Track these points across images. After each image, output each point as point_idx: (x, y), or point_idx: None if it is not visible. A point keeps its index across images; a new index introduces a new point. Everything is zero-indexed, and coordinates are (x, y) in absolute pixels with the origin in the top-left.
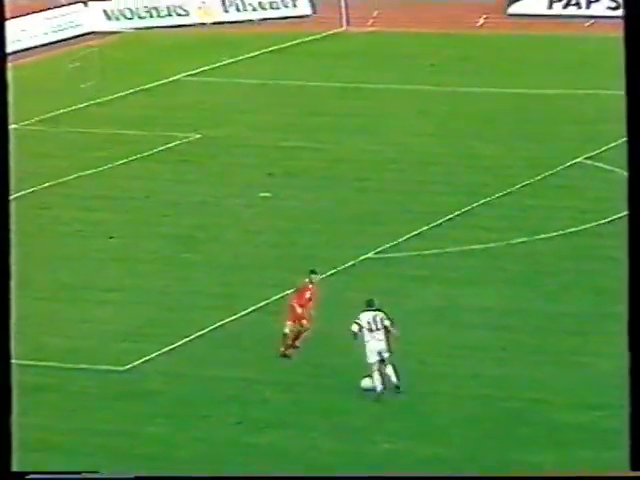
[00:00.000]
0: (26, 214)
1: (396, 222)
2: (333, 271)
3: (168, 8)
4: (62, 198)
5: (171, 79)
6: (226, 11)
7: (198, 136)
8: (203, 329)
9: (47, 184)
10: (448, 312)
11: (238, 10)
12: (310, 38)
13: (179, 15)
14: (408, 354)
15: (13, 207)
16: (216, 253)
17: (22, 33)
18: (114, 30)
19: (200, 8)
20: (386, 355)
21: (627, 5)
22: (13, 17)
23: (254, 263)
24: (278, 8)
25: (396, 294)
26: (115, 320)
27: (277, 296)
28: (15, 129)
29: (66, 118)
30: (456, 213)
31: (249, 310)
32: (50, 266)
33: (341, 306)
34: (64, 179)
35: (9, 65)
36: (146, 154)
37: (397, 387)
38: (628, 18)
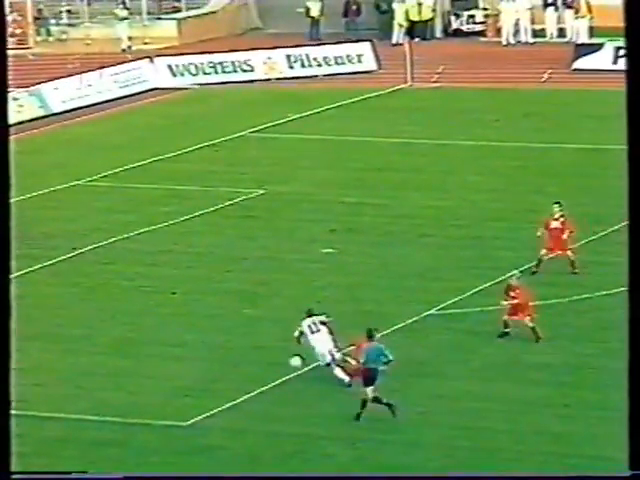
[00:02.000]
0: (90, 269)
1: (459, 278)
2: (395, 327)
3: (233, 64)
4: (126, 253)
5: (236, 135)
6: (291, 67)
7: (262, 192)
8: (265, 385)
9: (111, 239)
10: (511, 368)
11: (303, 66)
12: (375, 94)
13: (244, 71)
14: (470, 410)
15: (76, 263)
16: (279, 309)
17: (89, 88)
18: (179, 86)
19: (265, 64)
20: (336, 355)
21: None
22: (82, 72)
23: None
24: (343, 64)
25: (459, 350)
26: (177, 375)
27: (339, 352)
28: (81, 185)
29: (131, 174)
30: (519, 269)
31: (312, 366)
32: (113, 321)
33: (404, 363)
34: (128, 234)
35: (78, 120)
36: (210, 209)
37: (349, 385)
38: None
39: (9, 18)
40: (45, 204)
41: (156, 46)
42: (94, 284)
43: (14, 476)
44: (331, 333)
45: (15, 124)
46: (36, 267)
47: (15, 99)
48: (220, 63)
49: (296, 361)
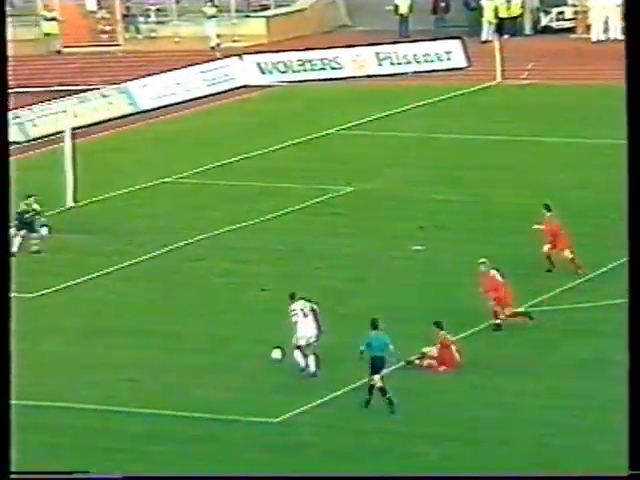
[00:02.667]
0: (179, 266)
1: (549, 275)
2: (484, 325)
3: (322, 61)
4: (215, 250)
5: (324, 132)
6: (380, 64)
7: (350, 189)
8: (355, 382)
9: (200, 236)
10: (599, 365)
11: (392, 63)
12: (464, 91)
13: (333, 68)
14: (560, 407)
15: (166, 260)
16: (368, 306)
17: (177, 87)
18: (267, 84)
19: (354, 61)
20: (314, 342)
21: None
22: (167, 70)
23: (406, 316)
24: (432, 61)
25: (546, 346)
26: (268, 372)
27: (428, 349)
28: (169, 182)
29: (219, 171)
30: (610, 266)
31: (399, 365)
32: (203, 319)
33: (491, 360)
34: (217, 231)
35: (166, 117)
36: (298, 207)
37: (314, 375)
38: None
39: (98, 15)
40: (133, 201)
41: (245, 44)
42: (184, 281)
43: (14, 476)
44: (317, 321)
45: (104, 121)
46: (126, 263)
47: (104, 96)
48: (309, 61)
49: (277, 354)
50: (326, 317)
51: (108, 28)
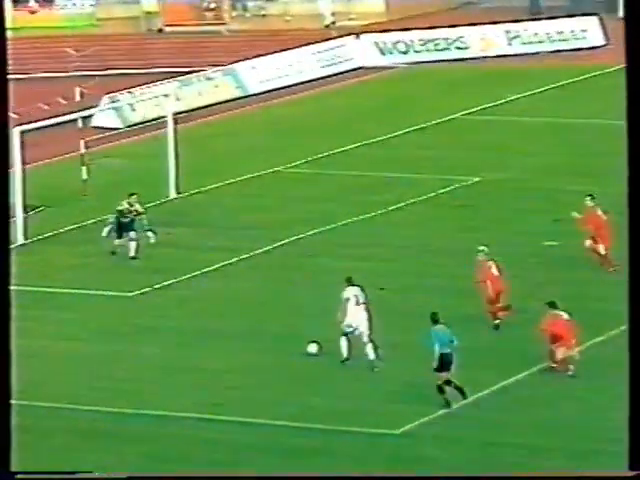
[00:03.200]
0: (291, 262)
1: None
2: (622, 328)
3: (446, 40)
4: (329, 246)
5: (448, 117)
6: (509, 44)
7: (477, 179)
8: (484, 390)
9: (314, 230)
10: None
11: (523, 42)
12: (601, 72)
13: (458, 48)
14: None
15: (277, 256)
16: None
17: (288, 68)
18: (387, 65)
19: (482, 40)
20: (363, 331)
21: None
22: (277, 51)
23: (539, 317)
24: (566, 40)
25: None
26: (388, 379)
27: (562, 355)
28: (281, 172)
29: (335, 160)
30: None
31: (535, 368)
32: (317, 319)
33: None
34: (332, 225)
35: (277, 101)
36: (421, 198)
37: (373, 364)
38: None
39: None
40: (242, 192)
41: (362, 22)
42: (296, 279)
43: (19, 475)
44: (367, 311)
45: (209, 105)
46: (233, 260)
47: (209, 79)
48: (431, 40)
49: (312, 348)
50: (450, 319)
51: (213, 5)
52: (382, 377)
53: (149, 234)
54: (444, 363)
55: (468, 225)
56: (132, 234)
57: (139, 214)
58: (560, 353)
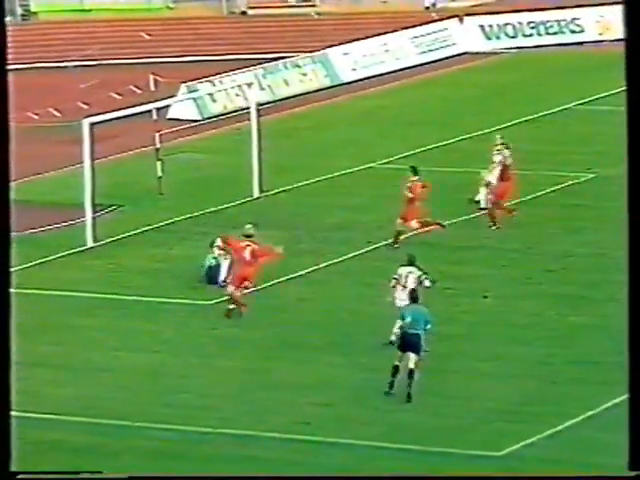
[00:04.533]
0: (386, 267)
1: None
2: None
3: (559, 23)
4: (428, 248)
5: (561, 108)
6: None
7: (592, 175)
8: (594, 408)
9: (412, 232)
10: None
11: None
12: None
13: (572, 32)
14: None
15: (371, 260)
16: (610, 316)
17: (384, 54)
18: (494, 50)
19: (598, 22)
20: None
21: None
22: (373, 35)
23: None
24: None
25: None
26: (488, 396)
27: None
28: (376, 167)
29: (435, 155)
30: None
31: None
32: None
33: None
34: (431, 227)
35: (371, 90)
36: (530, 197)
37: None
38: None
39: None
40: (334, 190)
41: (466, 3)
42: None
43: (20, 476)
44: (414, 290)
45: (296, 95)
46: (322, 264)
47: (297, 66)
48: (542, 23)
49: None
50: (560, 330)
51: None
52: (482, 393)
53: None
54: (407, 344)
55: (579, 226)
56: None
57: (225, 252)
58: None
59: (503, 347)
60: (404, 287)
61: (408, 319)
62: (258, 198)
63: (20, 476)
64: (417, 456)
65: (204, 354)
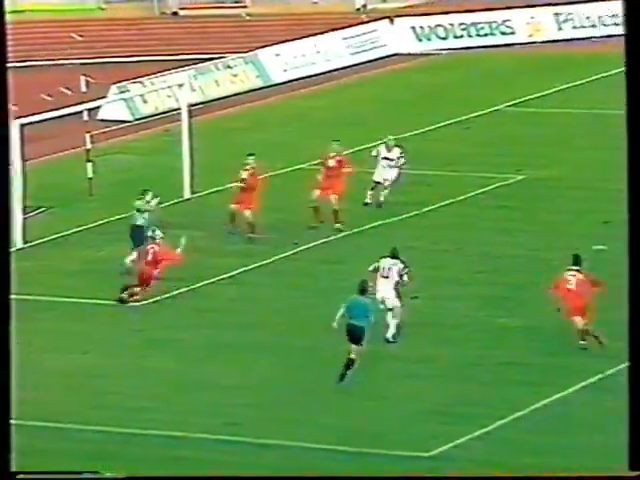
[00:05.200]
0: (314, 269)
1: None
2: None
3: (490, 25)
4: (357, 250)
5: (491, 109)
6: (560, 28)
7: (521, 177)
8: (523, 408)
9: (340, 234)
10: None
11: (574, 27)
12: None
13: (503, 33)
14: None
15: (299, 261)
16: (539, 317)
17: (315, 56)
18: (424, 52)
19: (529, 24)
20: (390, 305)
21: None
22: (304, 37)
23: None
24: (622, 24)
25: None
26: (419, 397)
27: (613, 369)
28: (305, 169)
29: (367, 155)
30: None
31: (579, 387)
32: (341, 332)
33: None
34: (361, 228)
35: (302, 92)
36: (459, 198)
37: (387, 340)
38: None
39: None
40: (264, 191)
41: (396, 4)
42: (319, 287)
43: (20, 476)
44: (398, 283)
45: (227, 96)
46: (252, 266)
47: (228, 67)
48: (473, 24)
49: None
50: (488, 331)
51: None
52: (412, 394)
53: (157, 233)
54: (352, 336)
55: (508, 227)
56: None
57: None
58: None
59: (433, 348)
60: (386, 278)
61: (350, 310)
62: (189, 199)
63: (20, 476)
64: (346, 457)
65: (133, 355)
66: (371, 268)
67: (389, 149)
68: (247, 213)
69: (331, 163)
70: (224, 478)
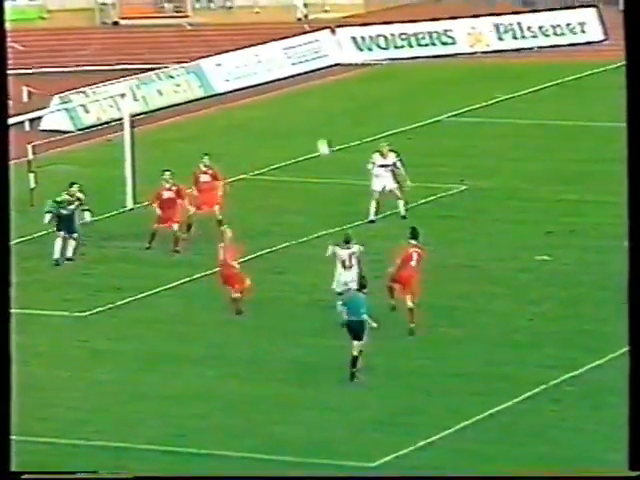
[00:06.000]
0: (259, 278)
1: None
2: (621, 351)
3: (430, 35)
4: (302, 260)
5: (432, 119)
6: (500, 38)
7: (464, 187)
8: (468, 418)
9: (284, 244)
10: None
11: (515, 37)
12: (601, 69)
13: (444, 43)
14: None
15: (243, 271)
16: (482, 327)
17: (257, 65)
18: (365, 62)
19: (469, 34)
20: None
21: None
22: (245, 47)
23: (528, 339)
24: (563, 34)
25: None
26: (363, 406)
27: (557, 380)
28: (247, 179)
29: (305, 166)
30: None
31: (523, 397)
32: (286, 342)
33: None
34: (303, 239)
35: (244, 102)
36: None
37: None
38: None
39: None
40: None
41: (338, 14)
42: (264, 297)
43: (24, 476)
44: (360, 270)
45: (171, 106)
46: (196, 275)
47: (171, 77)
48: (414, 34)
49: (324, 149)
50: (431, 341)
51: None
52: (357, 404)
53: (86, 215)
54: (352, 331)
55: (451, 237)
56: (75, 235)
57: (81, 203)
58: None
59: (377, 358)
60: (349, 268)
61: (348, 306)
62: (132, 209)
63: (25, 476)
64: (291, 467)
65: (77, 367)
66: (329, 253)
67: (384, 155)
68: (174, 227)
69: (203, 178)
70: (224, 478)
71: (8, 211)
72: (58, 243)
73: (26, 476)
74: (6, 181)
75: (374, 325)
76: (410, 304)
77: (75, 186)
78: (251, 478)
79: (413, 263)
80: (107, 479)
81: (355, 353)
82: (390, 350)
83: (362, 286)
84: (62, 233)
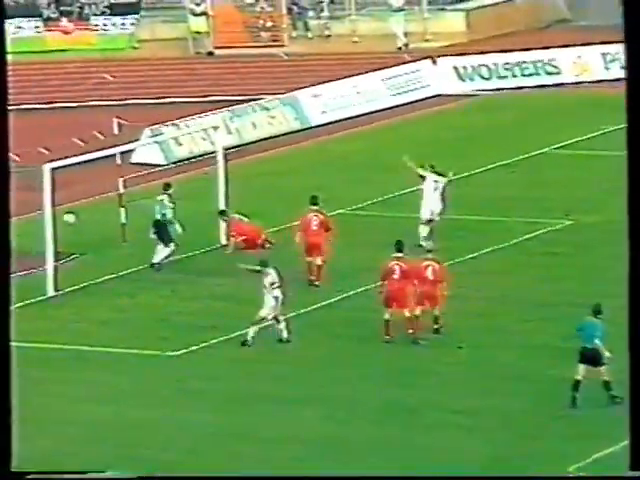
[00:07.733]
0: (358, 316)
1: None
2: None
3: (535, 64)
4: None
5: (537, 152)
6: (607, 67)
7: (569, 222)
8: (575, 463)
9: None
10: None
11: (623, 67)
12: None
13: (549, 73)
14: None
15: (343, 310)
16: None
17: (355, 97)
18: (467, 92)
19: (575, 63)
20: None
21: None
22: (343, 77)
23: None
24: None
25: None
26: (461, 449)
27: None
28: (346, 214)
29: (409, 200)
30: None
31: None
32: (382, 381)
33: None
34: None
35: (342, 134)
36: (504, 245)
37: (288, 341)
38: None
39: (257, 8)
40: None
41: (439, 44)
42: (362, 335)
43: (28, 476)
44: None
45: (265, 139)
46: (292, 314)
47: (266, 109)
48: (518, 64)
49: (70, 218)
50: (539, 382)
51: (270, 24)
52: (454, 446)
53: (177, 228)
54: (584, 357)
55: (557, 275)
56: (172, 244)
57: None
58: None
59: (479, 400)
60: (273, 288)
61: (585, 332)
62: (226, 245)
63: (30, 476)
64: None
65: (168, 406)
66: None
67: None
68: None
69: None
70: (224, 478)
71: (8, 211)
72: (165, 252)
73: (30, 476)
74: (7, 179)
75: (607, 354)
76: (407, 314)
77: (171, 189)
78: (251, 478)
79: (395, 276)
80: (110, 479)
81: (579, 377)
82: (492, 391)
83: (597, 312)
84: (170, 245)
